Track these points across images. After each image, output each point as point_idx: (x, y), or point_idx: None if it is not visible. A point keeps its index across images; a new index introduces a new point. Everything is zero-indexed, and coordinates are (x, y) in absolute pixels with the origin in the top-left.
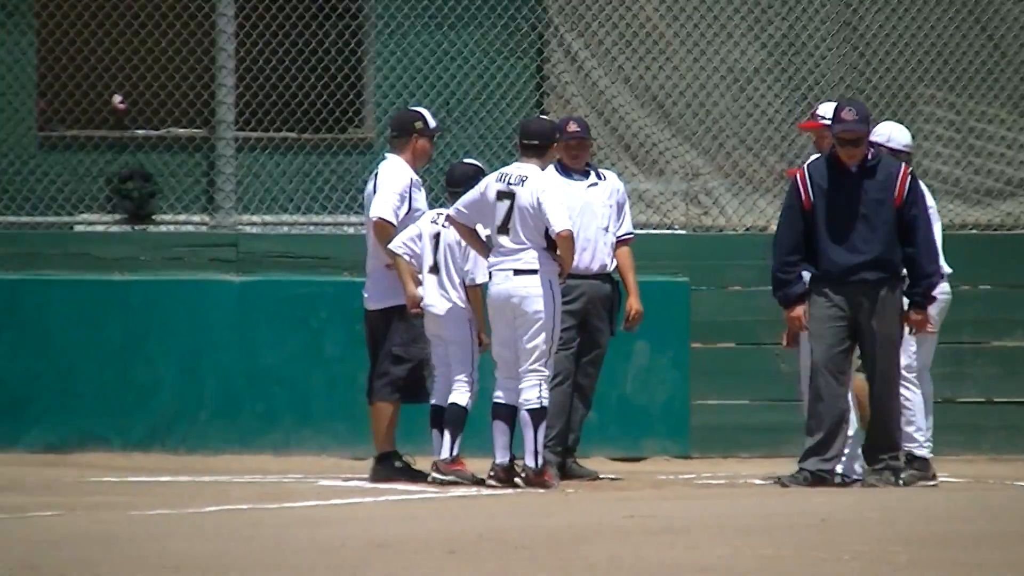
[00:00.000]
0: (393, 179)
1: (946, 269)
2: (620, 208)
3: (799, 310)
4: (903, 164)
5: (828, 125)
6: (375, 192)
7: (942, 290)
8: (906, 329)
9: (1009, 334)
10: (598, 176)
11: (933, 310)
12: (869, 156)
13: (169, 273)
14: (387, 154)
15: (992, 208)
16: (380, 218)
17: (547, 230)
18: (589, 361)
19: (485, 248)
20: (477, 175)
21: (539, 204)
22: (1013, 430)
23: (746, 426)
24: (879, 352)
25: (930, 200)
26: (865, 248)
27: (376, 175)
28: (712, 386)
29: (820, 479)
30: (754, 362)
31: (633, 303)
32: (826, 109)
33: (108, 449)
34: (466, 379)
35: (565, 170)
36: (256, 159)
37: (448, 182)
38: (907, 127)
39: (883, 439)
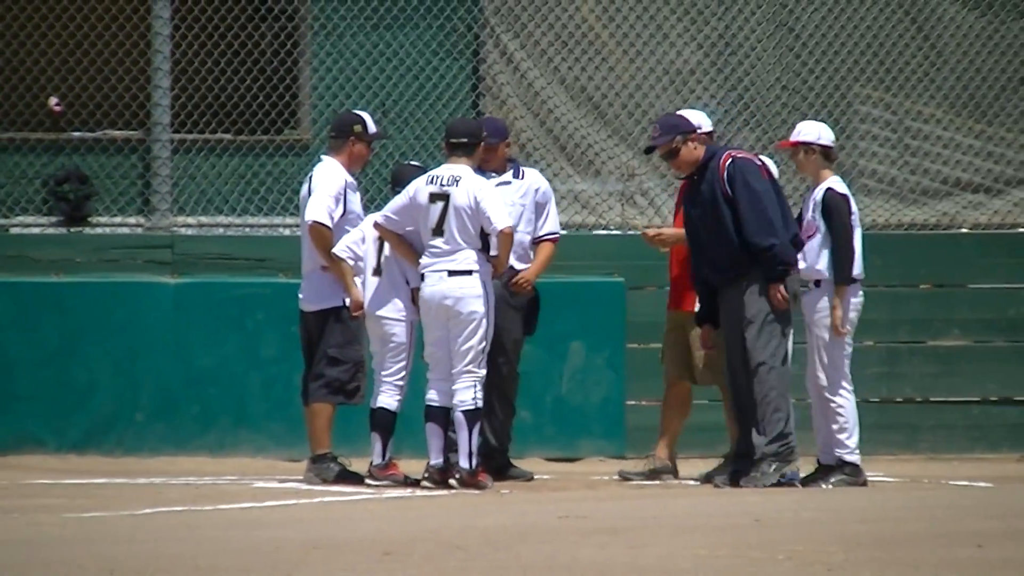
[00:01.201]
0: (328, 182)
1: (860, 275)
2: (541, 207)
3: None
4: (724, 153)
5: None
6: (310, 195)
7: (854, 295)
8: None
9: (945, 333)
10: (515, 175)
11: (852, 314)
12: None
13: (105, 275)
14: (323, 156)
15: (928, 208)
16: (315, 221)
17: (482, 230)
18: (503, 362)
19: (415, 254)
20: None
21: (477, 203)
22: (949, 429)
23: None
24: (744, 336)
25: (854, 206)
26: (715, 250)
27: (311, 177)
28: (648, 386)
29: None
30: None
31: (526, 273)
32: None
33: (43, 451)
34: (399, 381)
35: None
36: (192, 161)
37: (394, 183)
38: (843, 127)
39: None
